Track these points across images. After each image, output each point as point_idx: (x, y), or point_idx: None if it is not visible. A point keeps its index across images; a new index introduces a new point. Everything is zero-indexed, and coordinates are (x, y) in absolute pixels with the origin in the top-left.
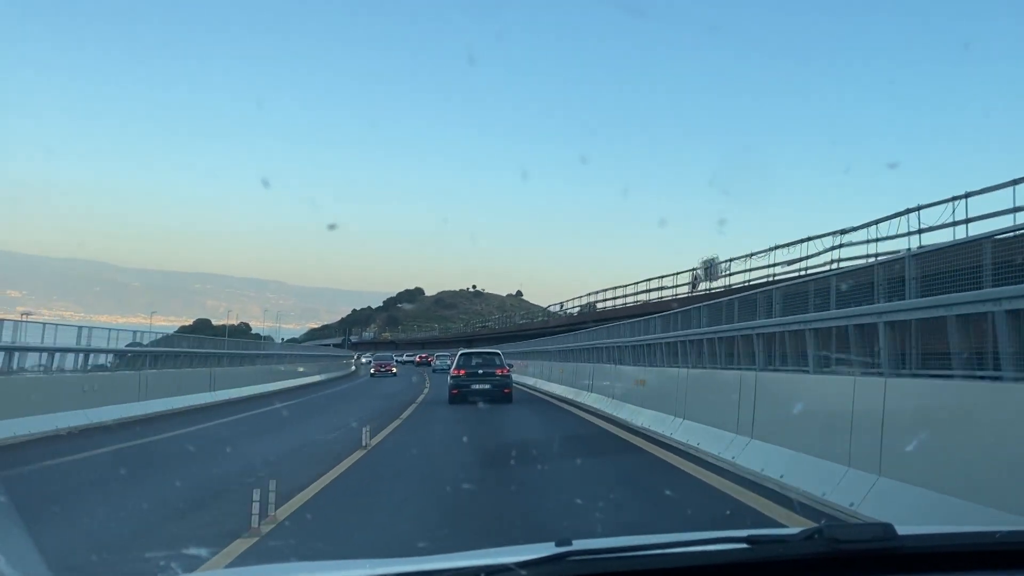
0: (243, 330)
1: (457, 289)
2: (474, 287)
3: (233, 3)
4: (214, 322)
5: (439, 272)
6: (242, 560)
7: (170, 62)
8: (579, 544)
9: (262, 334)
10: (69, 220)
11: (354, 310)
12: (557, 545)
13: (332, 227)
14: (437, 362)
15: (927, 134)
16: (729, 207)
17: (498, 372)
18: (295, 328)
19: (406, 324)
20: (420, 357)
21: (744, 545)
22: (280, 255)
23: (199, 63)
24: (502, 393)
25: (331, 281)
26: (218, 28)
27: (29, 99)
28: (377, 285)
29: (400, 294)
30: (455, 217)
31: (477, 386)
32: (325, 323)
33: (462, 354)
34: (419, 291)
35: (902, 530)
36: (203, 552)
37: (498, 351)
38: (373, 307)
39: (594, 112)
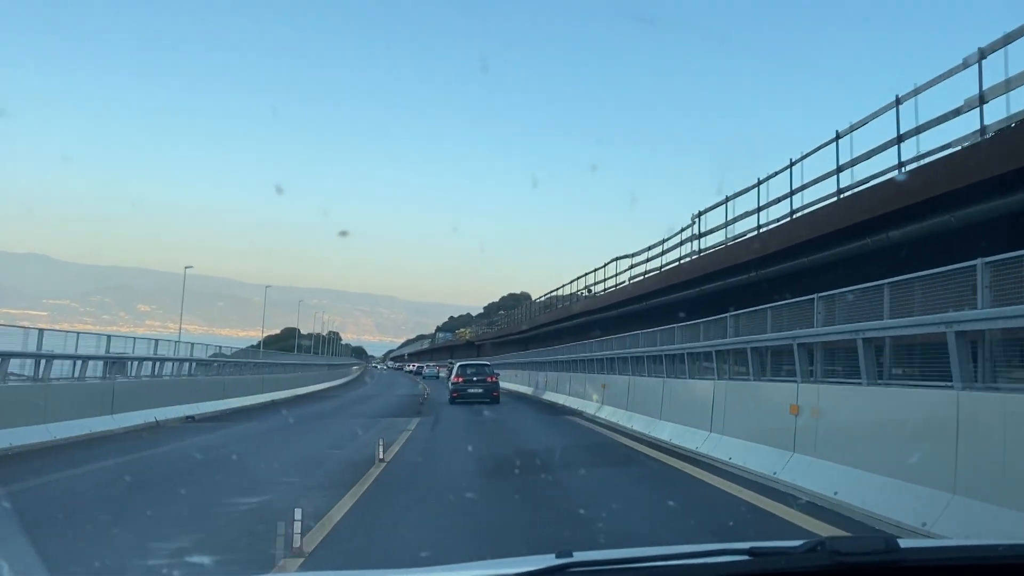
0: (333, 340)
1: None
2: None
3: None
4: (303, 331)
5: (552, 278)
6: None
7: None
8: (579, 556)
9: (352, 344)
10: (198, 238)
11: (451, 317)
12: (557, 556)
13: (343, 234)
14: (427, 370)
15: None
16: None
17: (488, 379)
18: (396, 340)
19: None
20: (415, 366)
21: (746, 557)
22: (393, 271)
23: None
24: (491, 395)
25: (443, 296)
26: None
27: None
28: (488, 298)
29: (503, 299)
30: (560, 224)
31: (472, 390)
32: (420, 334)
33: (459, 365)
34: (525, 296)
35: (904, 543)
36: None
37: (488, 362)
38: (473, 314)
39: None
